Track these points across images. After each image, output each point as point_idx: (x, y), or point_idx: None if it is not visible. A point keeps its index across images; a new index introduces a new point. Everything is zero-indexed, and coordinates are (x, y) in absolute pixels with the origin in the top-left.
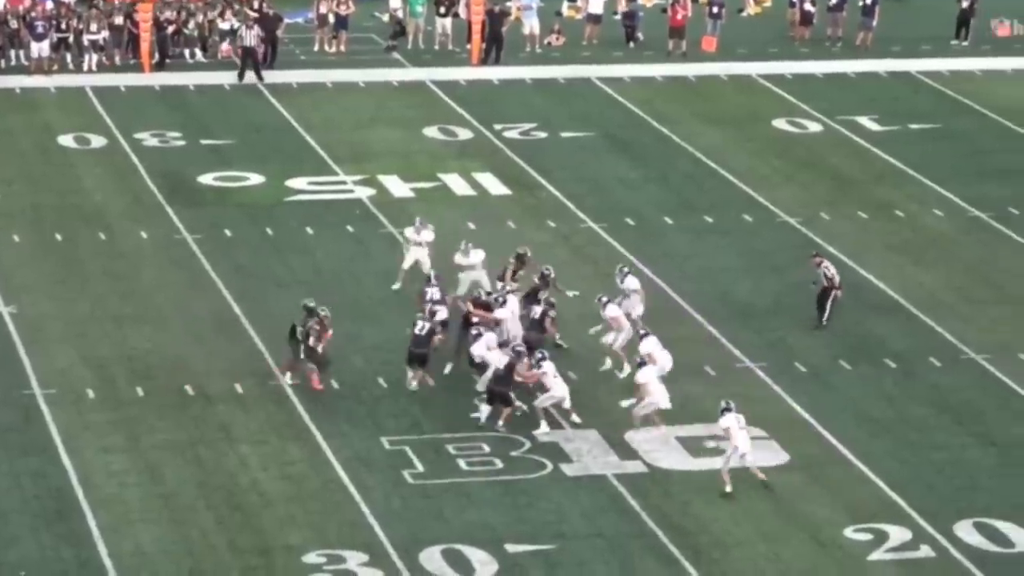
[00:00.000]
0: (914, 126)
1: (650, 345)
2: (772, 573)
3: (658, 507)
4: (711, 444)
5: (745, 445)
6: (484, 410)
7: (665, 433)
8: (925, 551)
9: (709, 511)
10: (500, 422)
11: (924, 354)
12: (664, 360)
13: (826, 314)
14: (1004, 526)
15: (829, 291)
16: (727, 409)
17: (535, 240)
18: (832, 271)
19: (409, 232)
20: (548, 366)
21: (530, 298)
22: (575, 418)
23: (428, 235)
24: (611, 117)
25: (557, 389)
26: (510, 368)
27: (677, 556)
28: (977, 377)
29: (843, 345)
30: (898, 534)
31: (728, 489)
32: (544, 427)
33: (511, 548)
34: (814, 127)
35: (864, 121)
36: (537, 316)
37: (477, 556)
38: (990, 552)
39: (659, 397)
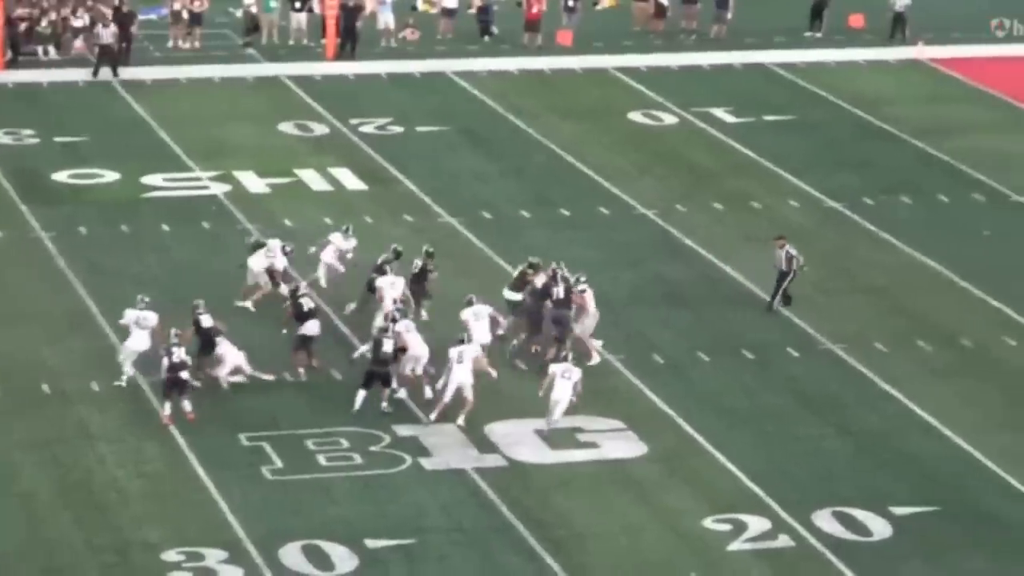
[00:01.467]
0: (769, 118)
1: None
2: (632, 565)
3: (518, 500)
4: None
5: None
6: (360, 396)
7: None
8: (784, 540)
9: (568, 504)
10: (384, 403)
11: (781, 345)
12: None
13: (777, 299)
14: (862, 515)
15: (786, 275)
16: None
17: (392, 235)
18: (793, 253)
19: (337, 239)
20: (403, 324)
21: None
22: (427, 393)
23: (352, 243)
24: (467, 111)
25: (416, 348)
26: (399, 351)
27: (537, 549)
28: (834, 367)
29: (701, 337)
30: (757, 524)
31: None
32: (427, 391)
33: (371, 543)
34: (669, 120)
35: (719, 113)
36: (417, 269)
37: (337, 552)
38: (848, 540)
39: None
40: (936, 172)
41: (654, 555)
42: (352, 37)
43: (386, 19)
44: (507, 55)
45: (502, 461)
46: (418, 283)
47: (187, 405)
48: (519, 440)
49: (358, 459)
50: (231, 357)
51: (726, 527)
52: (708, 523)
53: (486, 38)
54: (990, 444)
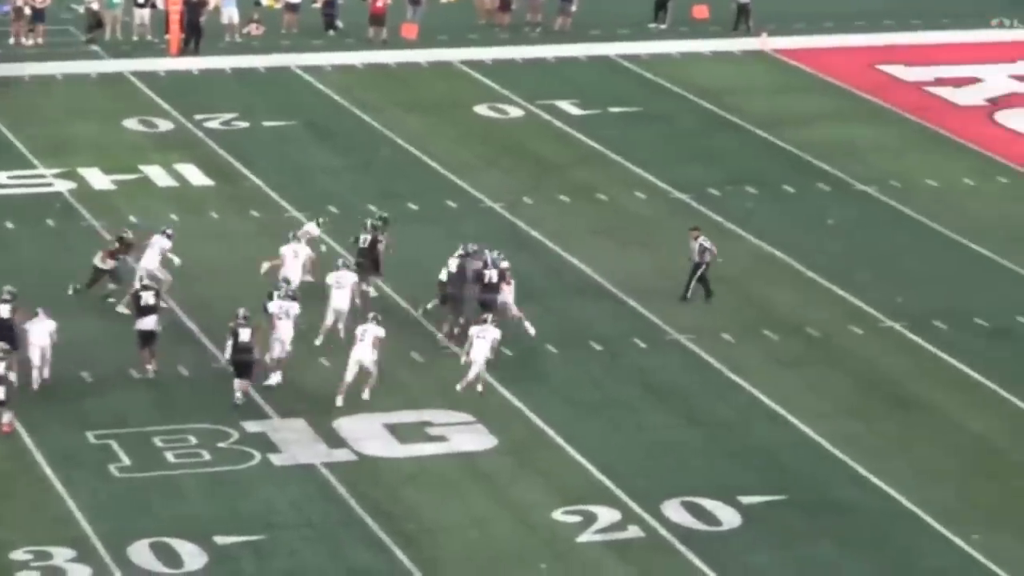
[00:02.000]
0: (614, 109)
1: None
2: (482, 557)
3: (367, 495)
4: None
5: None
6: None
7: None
8: (634, 531)
9: (418, 497)
10: (238, 394)
11: (629, 336)
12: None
13: (689, 290)
14: (711, 504)
15: (699, 266)
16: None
17: (239, 231)
18: (708, 245)
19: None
20: (277, 305)
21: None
22: (276, 378)
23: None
24: (313, 106)
25: (282, 331)
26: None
27: (387, 543)
28: (681, 358)
29: (549, 329)
30: (607, 515)
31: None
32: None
33: (220, 540)
34: (515, 112)
35: (564, 105)
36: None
37: (186, 549)
38: (697, 530)
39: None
40: (782, 162)
41: (504, 547)
42: (196, 32)
43: (230, 14)
44: (352, 49)
45: (351, 456)
46: (369, 255)
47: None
48: (368, 435)
49: (206, 456)
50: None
51: (576, 519)
52: (558, 515)
53: (331, 32)
54: (836, 432)
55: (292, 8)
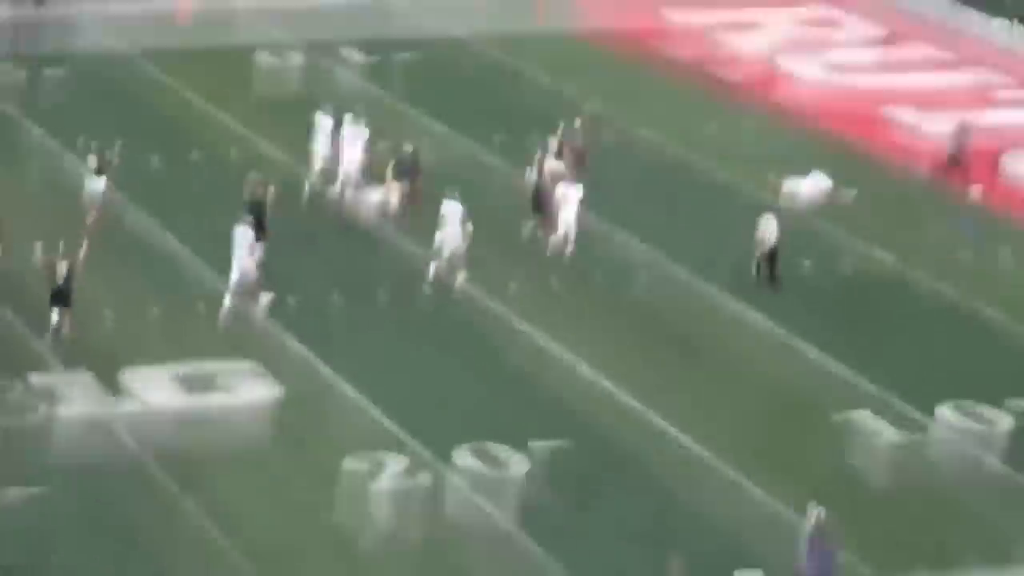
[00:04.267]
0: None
1: None
2: (272, 506)
3: (154, 443)
4: None
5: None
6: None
7: None
8: (424, 478)
9: (206, 449)
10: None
11: (416, 283)
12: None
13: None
14: (499, 450)
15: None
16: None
17: None
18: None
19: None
20: None
21: None
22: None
23: None
24: None
25: None
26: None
27: (172, 489)
28: (470, 306)
29: (335, 278)
30: (397, 462)
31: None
32: None
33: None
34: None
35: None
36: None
37: None
38: (487, 476)
39: None
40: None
41: (295, 497)
42: None
43: None
44: None
45: (139, 406)
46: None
47: None
48: (155, 386)
49: None
50: None
51: (365, 466)
52: (348, 463)
53: None
54: (626, 378)
55: None
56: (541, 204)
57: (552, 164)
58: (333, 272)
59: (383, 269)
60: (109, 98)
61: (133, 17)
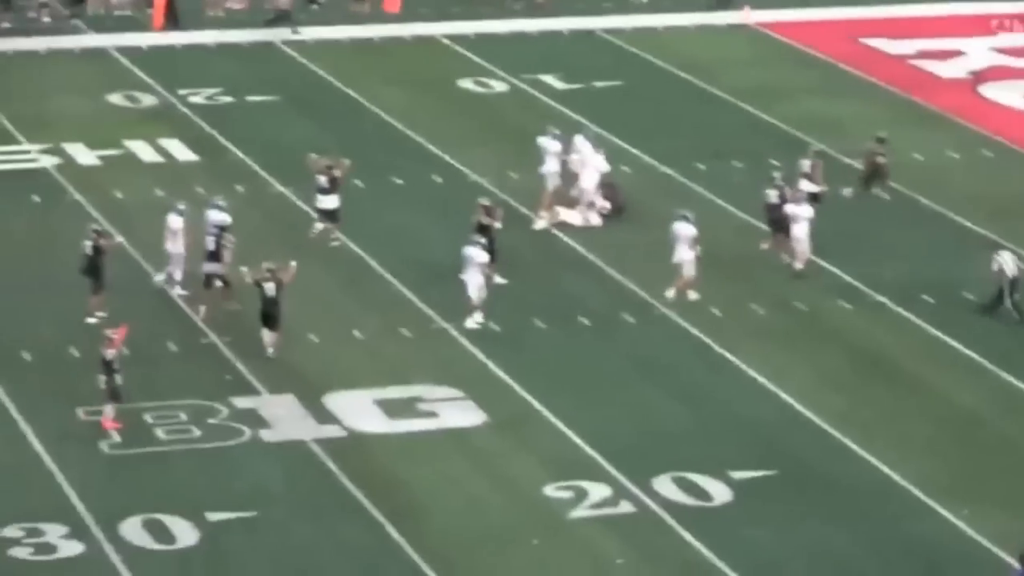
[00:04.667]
0: (598, 84)
1: None
2: (474, 534)
3: (357, 471)
4: None
5: None
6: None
7: None
8: (625, 507)
9: (408, 474)
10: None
11: (617, 311)
12: None
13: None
14: (700, 479)
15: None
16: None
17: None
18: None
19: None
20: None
21: None
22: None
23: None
24: (296, 80)
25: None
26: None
27: (379, 520)
28: (671, 333)
29: (538, 304)
30: (598, 491)
31: None
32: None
33: (212, 516)
34: (499, 86)
35: (549, 79)
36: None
37: (178, 525)
38: (688, 505)
39: None
40: (767, 136)
41: (495, 524)
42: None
43: None
44: (336, 23)
45: (341, 432)
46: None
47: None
48: (358, 411)
49: (196, 432)
50: None
51: (567, 494)
52: (549, 491)
53: (314, 6)
54: (824, 406)
55: None
56: (779, 224)
57: (803, 185)
58: (534, 298)
59: (584, 294)
60: (312, 116)
61: (329, 41)
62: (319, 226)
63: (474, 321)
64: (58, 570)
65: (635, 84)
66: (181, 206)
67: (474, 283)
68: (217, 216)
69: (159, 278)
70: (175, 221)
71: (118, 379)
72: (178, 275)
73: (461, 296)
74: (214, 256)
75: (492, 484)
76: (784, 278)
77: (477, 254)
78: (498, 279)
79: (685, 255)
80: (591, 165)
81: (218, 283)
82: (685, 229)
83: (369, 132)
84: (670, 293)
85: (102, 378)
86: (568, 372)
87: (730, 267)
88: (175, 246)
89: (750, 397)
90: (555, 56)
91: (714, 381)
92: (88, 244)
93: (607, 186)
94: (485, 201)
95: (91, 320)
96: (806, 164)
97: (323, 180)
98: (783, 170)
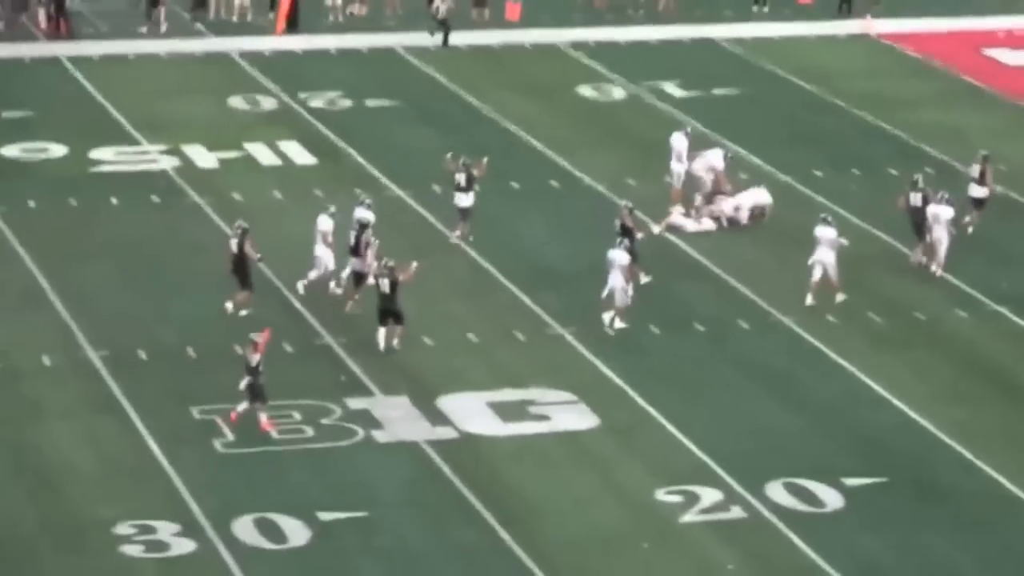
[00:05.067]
0: (718, 92)
1: None
2: (584, 537)
3: (470, 473)
4: None
5: None
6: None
7: None
8: (736, 512)
9: (520, 477)
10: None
11: (733, 318)
12: None
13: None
14: (813, 485)
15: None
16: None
17: (343, 209)
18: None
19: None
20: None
21: None
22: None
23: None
24: (417, 86)
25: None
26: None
27: (490, 522)
28: (786, 339)
29: (653, 310)
30: (709, 496)
31: None
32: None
33: (324, 516)
34: (618, 93)
35: (668, 87)
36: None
37: (290, 525)
38: (800, 512)
39: None
40: (886, 145)
41: (606, 527)
42: (296, 12)
43: None
44: (456, 30)
45: (454, 434)
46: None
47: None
48: (471, 413)
49: (310, 432)
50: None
51: (678, 499)
52: (660, 495)
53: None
54: (941, 416)
55: None
56: (920, 227)
57: (973, 191)
58: (647, 303)
59: (699, 301)
60: (431, 122)
61: (449, 48)
62: (458, 232)
63: (617, 324)
64: (169, 568)
65: (754, 92)
66: (332, 208)
67: (619, 286)
68: (361, 213)
69: (308, 279)
70: (325, 223)
71: (262, 380)
72: (313, 275)
73: (574, 302)
74: (355, 251)
75: (603, 487)
76: (901, 285)
77: (620, 256)
78: (644, 278)
79: (827, 257)
80: (711, 168)
81: (370, 280)
82: (826, 232)
83: (487, 138)
84: (809, 299)
85: (246, 379)
86: (681, 377)
87: (847, 274)
88: (323, 249)
89: (864, 405)
90: (674, 64)
91: (828, 388)
92: (234, 242)
93: (723, 193)
94: (628, 203)
95: (241, 313)
96: (975, 169)
97: (461, 178)
98: (922, 176)
